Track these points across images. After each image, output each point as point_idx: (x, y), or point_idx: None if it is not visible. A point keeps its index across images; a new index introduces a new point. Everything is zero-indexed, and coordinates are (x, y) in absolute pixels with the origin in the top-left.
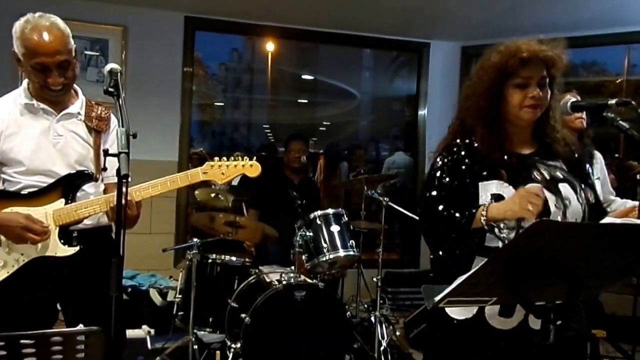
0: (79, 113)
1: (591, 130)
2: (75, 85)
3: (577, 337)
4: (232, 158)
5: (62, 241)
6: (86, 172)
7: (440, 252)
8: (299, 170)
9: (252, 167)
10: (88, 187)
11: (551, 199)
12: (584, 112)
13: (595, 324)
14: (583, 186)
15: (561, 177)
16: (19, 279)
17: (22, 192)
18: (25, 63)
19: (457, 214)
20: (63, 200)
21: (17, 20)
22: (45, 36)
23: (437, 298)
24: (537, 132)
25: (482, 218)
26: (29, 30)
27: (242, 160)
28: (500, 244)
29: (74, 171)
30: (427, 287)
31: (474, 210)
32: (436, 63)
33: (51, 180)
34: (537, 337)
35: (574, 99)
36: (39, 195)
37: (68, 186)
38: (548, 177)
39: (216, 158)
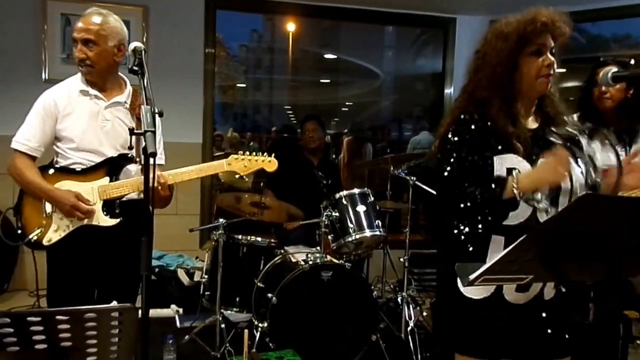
0: (125, 102)
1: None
2: (124, 77)
3: (611, 318)
4: (254, 153)
5: (105, 213)
6: (128, 155)
7: (462, 228)
8: (316, 151)
9: (270, 163)
10: (131, 166)
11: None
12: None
13: (627, 305)
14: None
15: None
16: (66, 244)
17: (74, 168)
18: None
19: (483, 191)
20: (108, 178)
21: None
22: (84, 17)
23: (473, 276)
24: (539, 105)
25: (516, 191)
26: None
27: (262, 155)
28: (516, 222)
29: (119, 153)
30: (461, 265)
31: (498, 190)
32: (463, 39)
33: (98, 159)
34: (550, 308)
35: (615, 69)
36: (88, 172)
37: (113, 166)
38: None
39: (240, 152)
